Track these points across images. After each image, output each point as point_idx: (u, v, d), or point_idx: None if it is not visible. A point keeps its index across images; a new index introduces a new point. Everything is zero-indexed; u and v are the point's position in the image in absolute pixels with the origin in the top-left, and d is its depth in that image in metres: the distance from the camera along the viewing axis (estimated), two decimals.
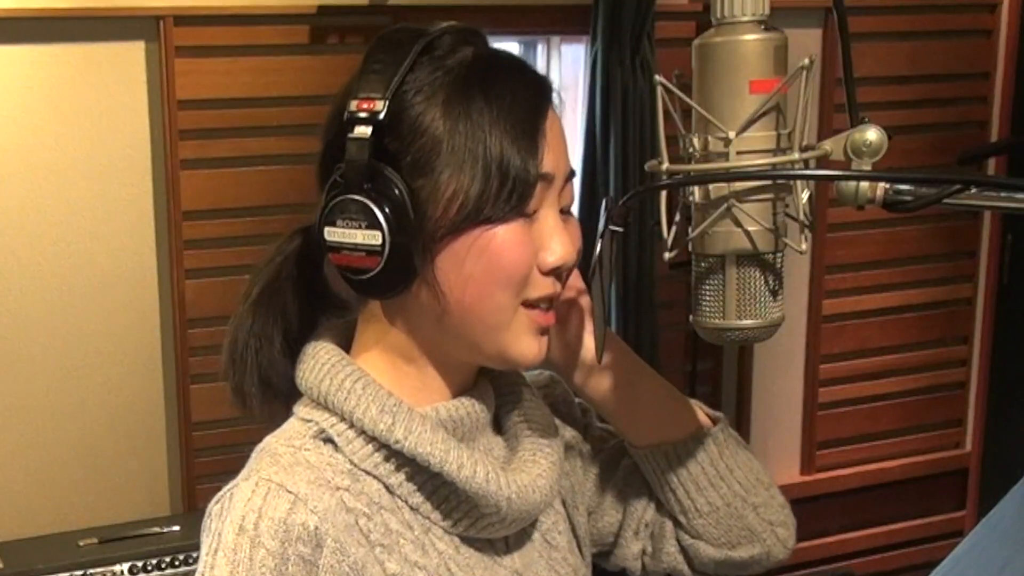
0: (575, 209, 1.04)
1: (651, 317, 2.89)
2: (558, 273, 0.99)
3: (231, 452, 2.48)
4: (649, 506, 1.16)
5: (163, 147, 2.52)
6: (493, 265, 0.94)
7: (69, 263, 2.52)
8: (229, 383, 1.04)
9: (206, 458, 2.64)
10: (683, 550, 1.15)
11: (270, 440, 1.00)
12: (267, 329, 1.03)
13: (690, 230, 0.97)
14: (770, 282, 0.97)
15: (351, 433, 0.98)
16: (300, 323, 1.05)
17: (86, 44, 2.46)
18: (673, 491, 1.13)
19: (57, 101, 2.46)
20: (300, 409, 1.01)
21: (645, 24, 2.74)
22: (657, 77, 0.97)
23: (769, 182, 0.94)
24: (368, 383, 0.98)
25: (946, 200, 0.91)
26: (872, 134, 0.92)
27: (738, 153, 0.93)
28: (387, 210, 0.93)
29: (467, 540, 1.02)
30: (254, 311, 1.03)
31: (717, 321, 0.97)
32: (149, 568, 2.40)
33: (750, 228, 0.95)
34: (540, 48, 3.02)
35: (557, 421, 1.13)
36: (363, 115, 0.93)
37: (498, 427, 1.09)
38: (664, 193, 0.98)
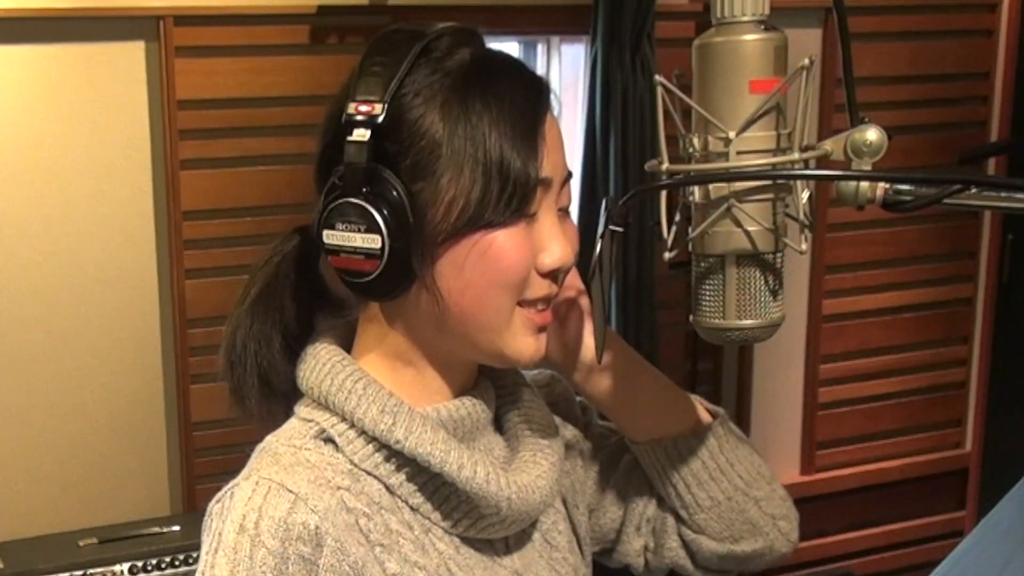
0: (575, 209, 1.04)
1: (651, 317, 2.89)
2: (555, 275, 0.99)
3: (231, 452, 2.48)
4: (650, 502, 1.16)
5: (163, 147, 2.52)
6: (492, 269, 0.94)
7: (69, 263, 2.52)
8: (228, 384, 1.04)
9: (206, 458, 2.64)
10: (685, 545, 1.15)
11: (271, 440, 1.00)
12: (265, 330, 1.03)
13: (690, 230, 0.97)
14: (770, 282, 0.97)
15: (352, 433, 0.98)
16: (298, 323, 1.05)
17: (86, 44, 2.46)
18: (674, 486, 1.13)
19: (57, 101, 2.46)
20: (301, 409, 1.01)
21: (645, 24, 2.74)
22: (657, 77, 0.97)
23: (769, 182, 0.94)
24: (369, 383, 0.98)
25: (946, 200, 0.91)
26: (872, 134, 0.92)
27: (738, 153, 0.93)
28: (386, 214, 0.93)
29: (467, 540, 1.02)
30: (252, 312, 1.03)
31: (717, 321, 0.97)
32: (149, 568, 2.40)
33: (750, 228, 0.95)
34: (540, 48, 3.02)
35: (558, 420, 1.13)
36: (361, 118, 0.93)
37: (499, 427, 1.09)
38: (664, 193, 0.98)
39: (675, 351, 3.04)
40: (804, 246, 0.96)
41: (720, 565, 1.16)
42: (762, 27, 0.94)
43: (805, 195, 0.96)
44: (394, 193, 0.93)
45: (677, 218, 0.99)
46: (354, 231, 0.94)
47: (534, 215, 0.97)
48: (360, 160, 0.93)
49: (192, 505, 2.66)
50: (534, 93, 0.98)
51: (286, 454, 0.97)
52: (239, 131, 2.58)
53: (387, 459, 0.98)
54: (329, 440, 0.98)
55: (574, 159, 2.81)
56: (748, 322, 0.97)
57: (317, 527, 0.92)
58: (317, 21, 2.59)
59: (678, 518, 1.15)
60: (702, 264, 0.97)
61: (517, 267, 0.95)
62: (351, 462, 0.97)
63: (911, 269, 3.36)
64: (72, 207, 2.50)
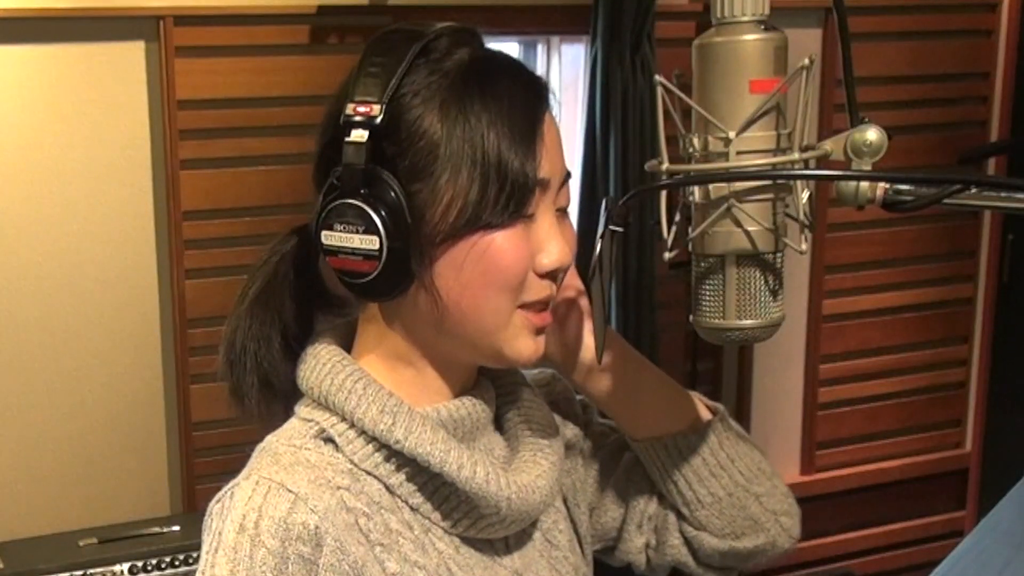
0: (574, 209, 1.04)
1: (651, 317, 2.89)
2: (553, 275, 0.99)
3: (231, 452, 2.48)
4: (651, 499, 1.16)
5: (163, 147, 2.52)
6: (491, 270, 0.94)
7: (69, 263, 2.52)
8: (228, 384, 1.04)
9: (206, 458, 2.64)
10: (687, 542, 1.16)
11: (271, 439, 1.00)
12: (265, 330, 1.03)
13: (690, 230, 0.97)
14: (770, 282, 0.97)
15: (351, 433, 0.98)
16: (298, 323, 1.05)
17: (86, 44, 2.46)
18: (675, 483, 1.13)
19: (57, 101, 2.46)
20: (301, 409, 1.01)
21: (645, 24, 2.74)
22: (657, 77, 0.97)
23: (769, 182, 0.94)
24: (369, 383, 0.98)
25: (946, 200, 0.91)
26: (872, 134, 0.92)
27: (738, 153, 0.93)
28: (384, 215, 0.93)
29: (467, 540, 1.02)
30: (251, 312, 1.03)
31: (717, 321, 0.97)
32: (149, 568, 2.40)
33: (750, 228, 0.95)
34: (540, 48, 3.02)
35: (558, 419, 1.13)
36: (359, 119, 0.93)
37: (499, 427, 1.09)
38: (664, 193, 0.98)
39: (675, 351, 3.04)
40: (804, 246, 0.96)
41: (722, 562, 1.16)
42: (762, 27, 0.94)
43: (805, 195, 0.96)
44: (392, 194, 0.93)
45: (677, 218, 0.99)
46: (352, 232, 0.94)
47: (532, 216, 0.97)
48: (358, 161, 0.93)
49: (192, 505, 2.66)
50: (532, 93, 0.97)
51: (286, 454, 0.97)
52: (239, 131, 2.58)
53: (387, 459, 0.98)
54: (329, 440, 0.98)
55: (574, 159, 2.81)
56: (748, 322, 0.97)
57: (317, 527, 0.92)
58: (317, 21, 2.59)
59: (679, 515, 1.15)
60: (702, 264, 0.97)
61: (515, 268, 0.95)
62: (351, 462, 0.97)
63: (911, 269, 3.36)
64: (72, 207, 2.50)
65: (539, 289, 0.98)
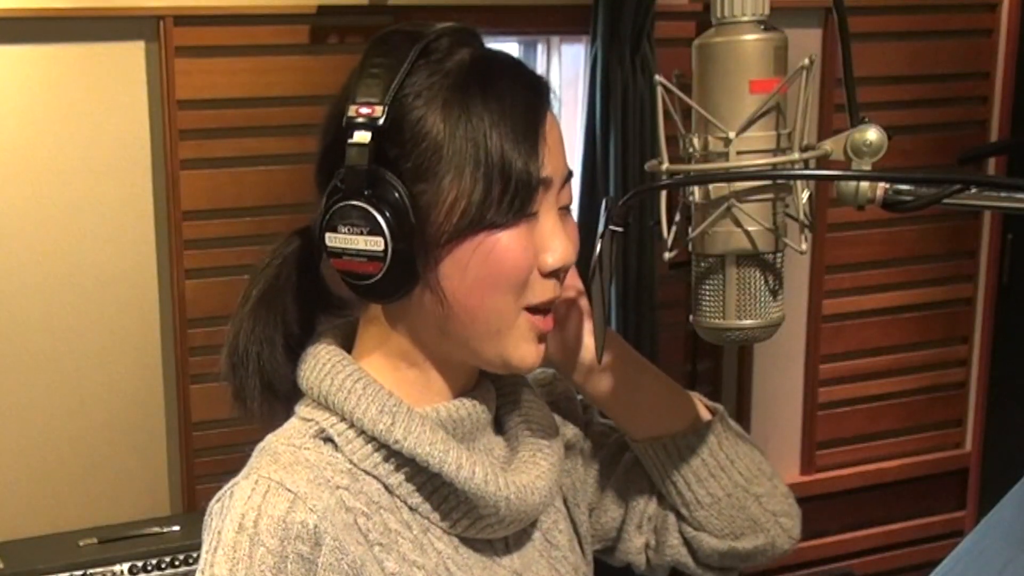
0: (575, 209, 1.04)
1: (651, 317, 2.89)
2: (557, 274, 1.00)
3: (231, 452, 2.47)
4: (651, 500, 1.16)
5: (163, 147, 2.52)
6: (496, 269, 0.95)
7: (69, 263, 2.52)
8: (230, 387, 1.04)
9: (206, 458, 2.64)
10: (686, 543, 1.16)
11: (271, 439, 1.00)
12: (268, 332, 1.03)
13: (690, 230, 0.97)
14: (770, 282, 0.97)
15: (351, 433, 0.98)
16: (300, 325, 1.05)
17: (86, 44, 2.46)
18: (674, 483, 1.13)
19: (57, 101, 2.46)
20: (301, 409, 1.02)
21: (645, 24, 2.74)
22: (657, 77, 0.97)
23: (769, 182, 0.94)
24: (368, 383, 0.98)
25: (946, 200, 0.91)
26: (872, 134, 0.92)
27: (738, 153, 0.93)
28: (388, 216, 0.93)
29: (466, 540, 1.02)
30: (254, 314, 1.03)
31: (717, 321, 0.97)
32: (149, 568, 2.40)
33: (750, 228, 0.95)
34: (540, 48, 3.02)
35: (558, 419, 1.13)
36: (362, 120, 0.93)
37: (499, 427, 1.09)
38: (664, 193, 0.98)
39: (675, 351, 3.04)
40: (804, 246, 0.96)
41: (721, 562, 1.16)
42: (762, 27, 0.94)
43: (805, 195, 0.96)
44: (396, 195, 0.93)
45: (677, 218, 0.99)
46: (357, 234, 0.94)
47: (536, 214, 0.97)
48: (361, 162, 0.93)
49: (192, 505, 2.66)
50: (534, 93, 0.98)
51: (285, 453, 0.97)
52: (239, 131, 2.58)
53: (386, 459, 0.98)
54: (328, 439, 0.98)
55: (574, 159, 2.81)
56: (748, 322, 0.97)
57: (316, 526, 0.92)
58: (317, 21, 2.59)
59: (679, 515, 1.15)
60: (702, 264, 0.97)
61: (520, 267, 0.96)
62: (350, 461, 0.98)
63: (911, 269, 3.36)
64: (72, 207, 2.50)
65: (543, 289, 0.98)
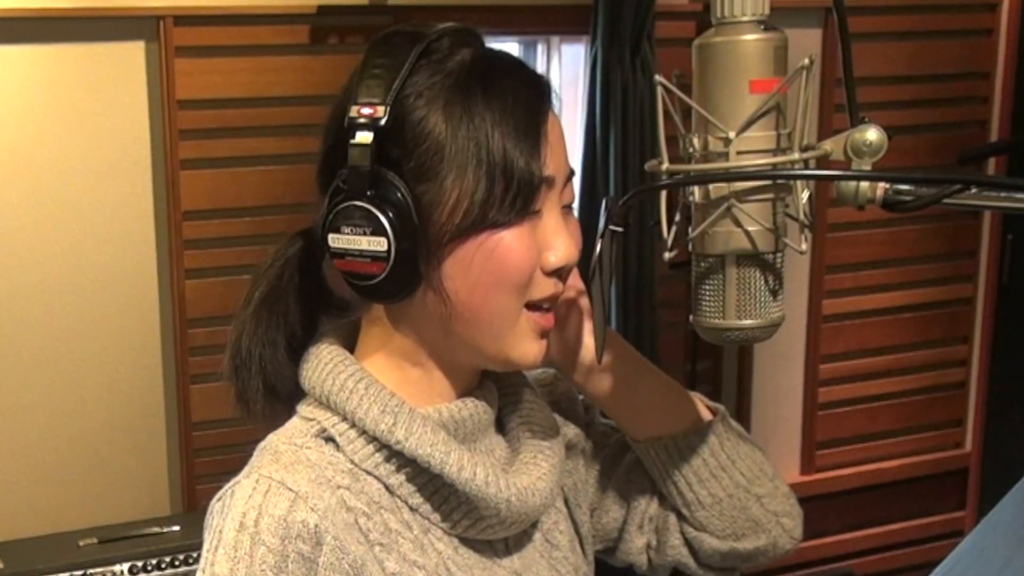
0: (574, 209, 1.04)
1: (651, 317, 2.89)
2: (560, 273, 1.00)
3: (231, 452, 2.48)
4: (652, 500, 1.16)
5: (163, 147, 2.52)
6: (499, 269, 0.95)
7: (69, 263, 2.52)
8: (233, 388, 1.04)
9: (206, 458, 2.64)
10: (688, 543, 1.16)
11: (272, 438, 1.00)
12: (270, 334, 1.03)
13: (690, 230, 0.97)
14: (770, 282, 0.97)
15: (352, 433, 0.98)
16: (302, 326, 1.05)
17: (86, 44, 2.46)
18: (675, 484, 1.13)
19: (57, 101, 2.46)
20: (303, 408, 1.02)
21: (645, 24, 2.74)
22: (657, 77, 0.97)
23: (769, 182, 0.94)
24: (370, 383, 0.98)
25: (946, 200, 0.91)
26: (872, 134, 0.92)
27: (738, 153, 0.93)
28: (391, 216, 0.93)
29: (466, 541, 1.02)
30: (256, 316, 1.04)
31: (717, 321, 0.97)
32: (149, 568, 2.40)
33: (750, 228, 0.95)
34: (540, 48, 3.02)
35: (559, 419, 1.13)
36: (364, 121, 0.93)
37: (500, 428, 1.09)
38: (664, 193, 0.98)
39: (675, 351, 3.04)
40: (804, 246, 0.96)
41: (723, 563, 1.16)
42: (762, 27, 0.94)
43: (805, 195, 0.96)
44: (399, 195, 0.93)
45: (677, 218, 0.99)
46: (360, 234, 0.94)
47: (538, 213, 0.97)
48: (364, 163, 0.93)
49: (192, 505, 2.66)
50: (536, 92, 0.98)
51: (287, 452, 0.97)
52: (239, 131, 2.58)
53: (387, 459, 0.98)
54: (330, 439, 0.98)
55: (574, 159, 2.80)
56: (748, 322, 0.97)
57: (317, 525, 0.92)
58: (317, 21, 2.59)
59: (680, 516, 1.15)
60: (702, 264, 0.97)
61: (523, 266, 0.96)
62: (351, 461, 0.98)
63: (911, 269, 3.36)
64: (72, 207, 2.50)
65: (546, 287, 0.99)
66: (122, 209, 2.54)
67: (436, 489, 0.99)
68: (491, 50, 1.00)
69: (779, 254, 0.97)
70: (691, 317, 1.00)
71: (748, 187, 0.94)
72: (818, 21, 3.07)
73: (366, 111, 0.94)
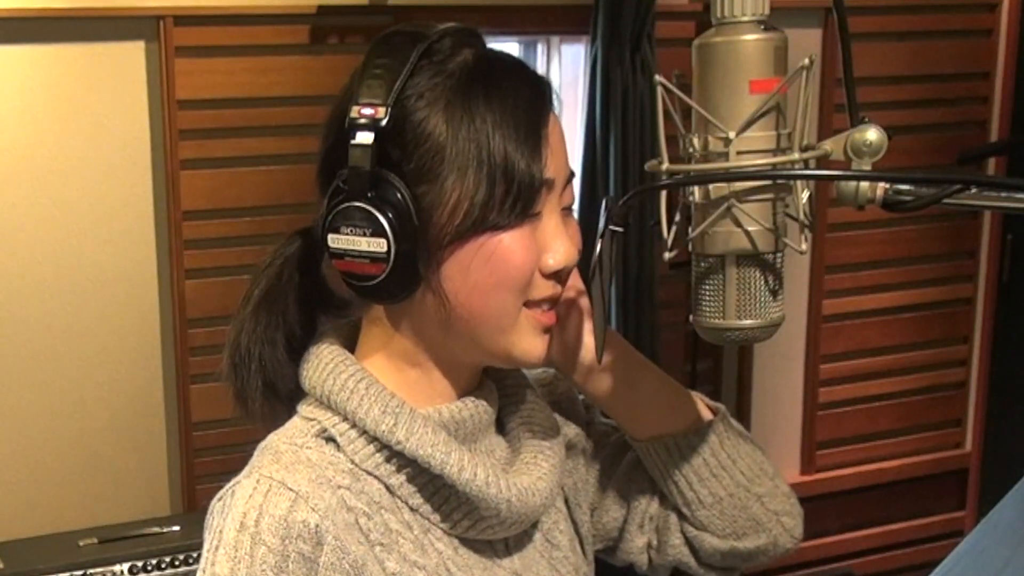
0: (575, 209, 1.04)
1: (651, 317, 2.89)
2: (559, 275, 1.00)
3: (231, 452, 2.48)
4: (653, 499, 1.16)
5: (163, 147, 2.52)
6: (499, 271, 0.95)
7: (69, 263, 2.52)
8: (232, 387, 1.04)
9: (206, 458, 2.64)
10: (688, 542, 1.16)
11: (273, 438, 1.00)
12: (269, 333, 1.03)
13: (690, 230, 0.97)
14: (770, 282, 0.97)
15: (353, 433, 0.98)
16: (301, 325, 1.05)
17: (86, 44, 2.46)
18: (675, 483, 1.13)
19: (57, 101, 2.46)
20: (303, 408, 1.02)
21: (645, 24, 2.74)
22: (657, 77, 0.97)
23: (769, 182, 0.94)
24: (371, 384, 0.98)
25: (946, 200, 0.91)
26: (872, 134, 0.92)
27: (738, 153, 0.93)
28: (391, 217, 0.93)
29: (466, 541, 1.02)
30: (255, 315, 1.03)
31: (717, 321, 0.97)
32: (149, 568, 2.40)
33: (750, 228, 0.95)
34: (540, 48, 3.02)
35: (560, 418, 1.13)
36: (364, 121, 0.93)
37: (501, 428, 1.09)
38: (664, 193, 0.98)
39: (675, 351, 3.04)
40: (804, 246, 0.96)
41: (723, 562, 1.16)
42: (762, 27, 0.94)
43: (805, 195, 0.96)
44: (399, 196, 0.93)
45: (677, 218, 0.99)
46: (359, 235, 0.94)
47: (538, 215, 0.97)
48: (364, 164, 0.93)
49: (192, 505, 2.66)
50: (536, 93, 0.98)
51: (287, 452, 0.97)
52: (239, 131, 2.58)
53: (388, 460, 0.98)
54: (330, 439, 0.98)
55: (574, 159, 2.80)
56: (748, 322, 0.97)
57: (317, 525, 0.92)
58: (317, 21, 2.59)
59: (680, 515, 1.15)
60: (702, 264, 0.97)
61: (523, 268, 0.96)
62: (352, 462, 0.98)
63: (911, 269, 3.36)
64: (72, 207, 2.50)
65: (545, 288, 0.99)
66: (122, 209, 2.54)
67: (436, 489, 0.99)
68: (492, 51, 1.00)
69: (779, 254, 0.97)
70: (691, 317, 1.00)
71: (748, 187, 0.94)
72: (818, 21, 3.07)
73: (367, 112, 0.94)
